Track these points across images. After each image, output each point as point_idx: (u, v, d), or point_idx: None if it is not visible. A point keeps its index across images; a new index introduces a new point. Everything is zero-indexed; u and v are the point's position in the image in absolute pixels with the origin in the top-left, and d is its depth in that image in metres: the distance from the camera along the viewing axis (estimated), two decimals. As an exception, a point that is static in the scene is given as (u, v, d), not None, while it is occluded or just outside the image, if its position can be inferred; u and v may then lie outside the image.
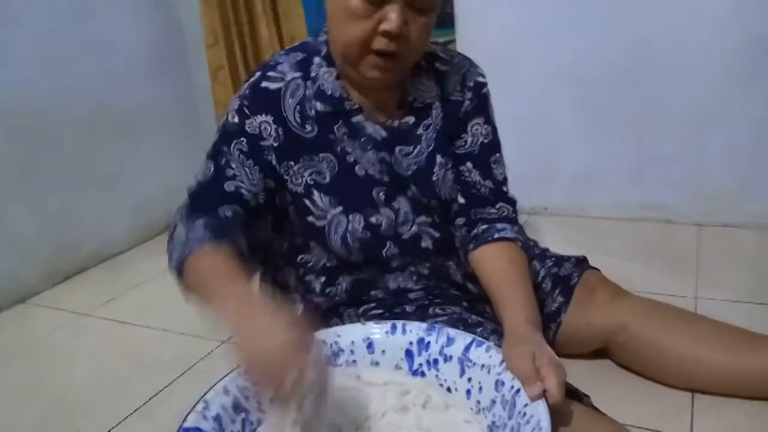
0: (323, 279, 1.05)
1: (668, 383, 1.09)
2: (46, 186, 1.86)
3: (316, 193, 0.96)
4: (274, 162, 0.94)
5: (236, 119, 0.94)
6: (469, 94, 1.03)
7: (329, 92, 0.95)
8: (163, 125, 2.24)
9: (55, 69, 1.85)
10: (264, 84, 0.94)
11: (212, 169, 0.94)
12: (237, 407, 0.84)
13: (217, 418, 0.80)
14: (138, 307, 1.69)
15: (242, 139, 0.93)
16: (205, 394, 0.82)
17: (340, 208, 0.96)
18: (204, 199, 0.94)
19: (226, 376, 0.86)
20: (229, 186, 0.93)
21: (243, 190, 0.93)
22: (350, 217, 0.96)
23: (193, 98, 2.35)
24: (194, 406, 0.80)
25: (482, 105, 1.05)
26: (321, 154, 0.96)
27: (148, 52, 2.16)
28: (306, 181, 0.96)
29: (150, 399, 1.25)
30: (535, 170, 2.00)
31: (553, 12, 1.83)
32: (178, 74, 2.30)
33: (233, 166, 0.93)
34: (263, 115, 0.93)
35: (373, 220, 0.97)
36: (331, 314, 1.06)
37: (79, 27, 1.92)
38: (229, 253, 0.86)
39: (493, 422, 0.81)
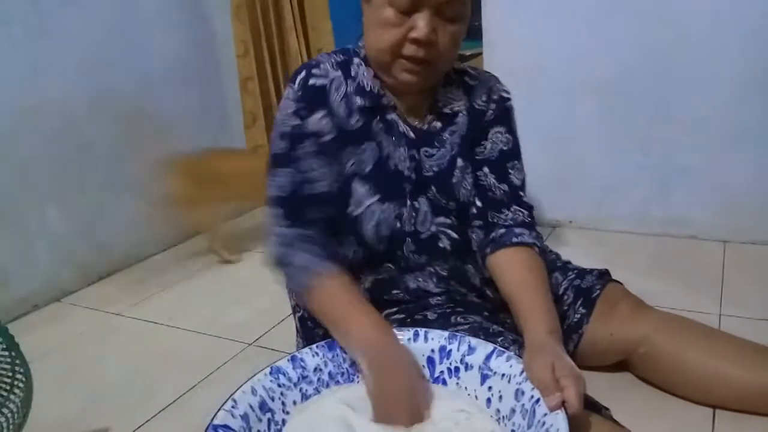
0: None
1: (689, 398, 1.09)
2: (82, 188, 1.92)
3: (357, 181, 1.00)
4: (335, 154, 0.99)
5: (297, 121, 0.98)
6: (493, 105, 1.07)
7: (368, 88, 1.00)
8: (194, 132, 2.29)
9: (93, 75, 1.92)
10: (312, 81, 0.98)
11: (289, 175, 0.98)
12: (263, 407, 0.87)
13: (245, 417, 0.83)
14: (168, 308, 1.74)
15: (308, 140, 0.98)
16: (233, 393, 0.85)
17: (378, 197, 1.00)
18: (294, 208, 0.98)
19: (253, 376, 0.89)
20: (312, 189, 0.97)
21: (325, 190, 0.98)
22: (385, 205, 1.00)
23: (223, 107, 2.41)
24: (223, 404, 0.83)
25: (505, 116, 1.08)
26: (364, 144, 1.00)
27: (182, 61, 2.23)
28: (349, 170, 1.00)
29: (179, 397, 1.29)
30: (560, 183, 2.00)
31: (579, 24, 1.83)
32: (210, 83, 2.36)
33: (309, 168, 0.97)
34: (318, 112, 0.97)
35: (401, 212, 1.01)
36: None
37: (118, 35, 1.98)
38: (343, 278, 0.96)
39: (513, 431, 0.82)
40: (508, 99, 1.09)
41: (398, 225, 1.01)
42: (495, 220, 1.04)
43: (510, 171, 1.06)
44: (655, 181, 1.88)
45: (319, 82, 0.98)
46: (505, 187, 1.05)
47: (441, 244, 1.05)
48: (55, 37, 1.81)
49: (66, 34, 1.83)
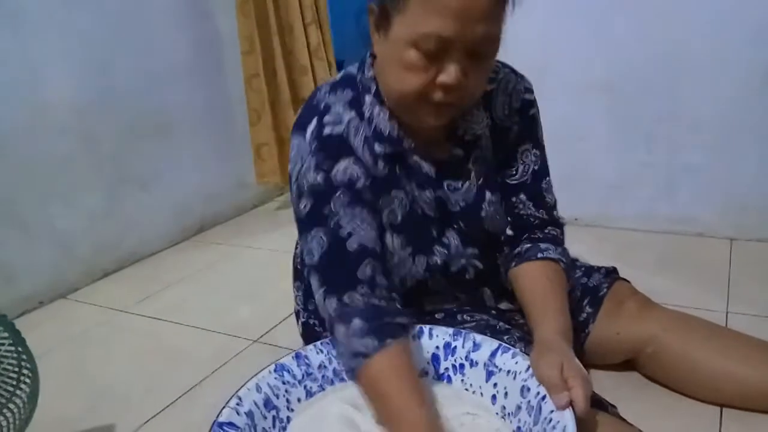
0: None
1: (696, 397, 1.08)
2: (87, 185, 1.92)
3: (388, 234, 0.94)
4: (371, 200, 0.90)
5: (320, 177, 0.87)
6: (516, 118, 1.01)
7: (386, 133, 0.91)
8: (200, 130, 2.30)
9: (99, 72, 1.92)
10: (327, 131, 0.89)
11: (326, 236, 0.87)
12: (268, 404, 0.87)
13: (250, 414, 0.83)
14: (173, 305, 1.74)
15: (339, 191, 0.87)
16: (238, 391, 0.85)
17: (410, 250, 0.96)
18: (337, 271, 0.86)
19: (258, 373, 0.89)
20: (351, 245, 0.86)
21: (366, 244, 0.86)
22: (416, 259, 0.96)
23: (229, 105, 2.40)
24: (228, 401, 0.83)
25: (531, 128, 1.03)
26: (393, 192, 0.93)
27: (187, 59, 2.23)
28: (383, 221, 0.93)
29: (184, 394, 1.29)
30: (566, 180, 1.98)
31: (585, 22, 1.83)
32: (215, 81, 2.35)
33: (344, 224, 0.86)
34: (344, 160, 0.88)
35: (431, 260, 0.97)
36: None
37: (124, 32, 1.98)
38: (396, 358, 0.81)
39: (519, 428, 0.82)
40: (531, 103, 1.03)
41: (429, 274, 0.97)
42: (524, 238, 1.02)
43: (545, 194, 1.04)
44: (662, 179, 1.88)
45: (335, 130, 0.88)
46: (542, 213, 1.03)
47: (467, 276, 1.02)
48: (60, 34, 1.81)
49: (71, 31, 1.83)
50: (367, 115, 0.91)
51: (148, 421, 1.22)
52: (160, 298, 1.80)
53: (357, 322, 0.82)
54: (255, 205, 2.60)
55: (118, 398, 1.31)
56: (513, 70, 1.05)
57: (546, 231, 1.03)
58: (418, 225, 0.96)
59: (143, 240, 2.12)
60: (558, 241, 1.03)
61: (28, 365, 0.94)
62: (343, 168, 0.88)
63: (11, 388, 0.94)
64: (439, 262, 0.98)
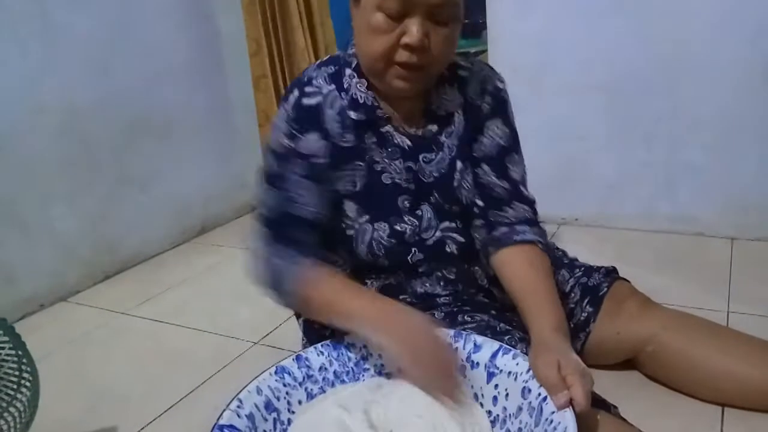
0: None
1: (698, 396, 1.09)
2: (87, 187, 1.92)
3: (346, 202, 0.99)
4: (328, 177, 0.97)
5: (289, 143, 0.95)
6: (488, 98, 1.04)
7: (362, 100, 0.97)
8: (200, 131, 2.30)
9: (100, 73, 1.92)
10: (305, 101, 0.95)
11: (277, 196, 0.97)
12: (269, 406, 0.87)
13: (250, 417, 0.83)
14: (174, 307, 1.74)
15: (298, 161, 0.95)
16: (239, 393, 0.85)
17: (367, 217, 0.99)
18: (281, 227, 0.97)
19: (258, 376, 0.89)
20: (299, 211, 0.95)
21: (312, 214, 0.96)
22: (376, 225, 0.99)
23: (230, 106, 2.41)
24: (229, 404, 0.83)
25: (500, 107, 1.05)
26: (355, 162, 0.98)
27: (188, 60, 2.23)
28: (340, 190, 0.98)
29: (185, 397, 1.29)
30: (566, 180, 1.99)
31: (584, 22, 1.83)
32: (216, 82, 2.36)
33: (298, 191, 0.95)
34: (311, 133, 0.95)
35: (398, 227, 0.99)
36: None
37: (125, 33, 1.99)
38: (334, 272, 0.96)
39: (520, 429, 0.82)
40: (503, 89, 1.06)
41: (393, 242, 0.99)
42: (497, 219, 1.03)
43: (509, 166, 1.05)
44: (661, 179, 1.88)
45: (313, 101, 0.95)
46: (505, 183, 1.04)
47: (448, 249, 1.04)
48: (61, 36, 1.81)
49: (72, 32, 1.83)
50: (345, 85, 0.97)
51: (148, 423, 1.22)
52: (161, 300, 1.80)
53: (290, 252, 0.95)
54: (256, 207, 2.60)
55: (119, 401, 1.31)
56: (489, 66, 1.09)
57: (514, 207, 1.03)
58: (382, 194, 0.99)
59: (144, 242, 2.12)
60: (531, 222, 1.04)
61: (28, 369, 0.94)
62: (310, 141, 0.95)
63: (12, 392, 0.94)
64: (408, 231, 1.00)
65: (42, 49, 1.76)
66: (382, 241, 0.99)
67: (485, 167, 1.04)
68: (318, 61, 1.03)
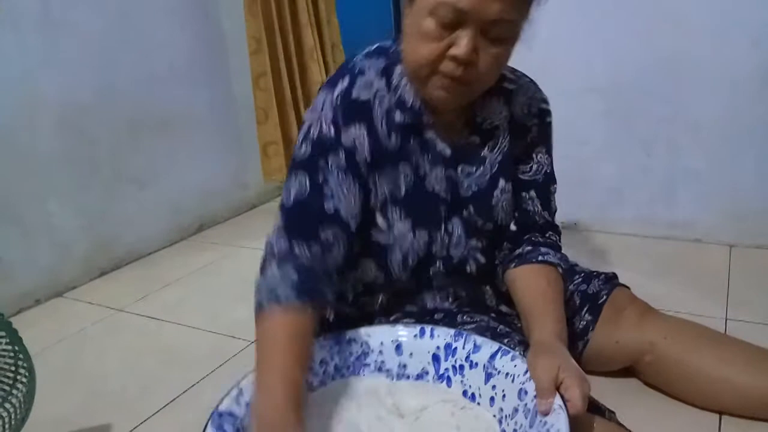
0: (360, 290, 1.04)
1: (696, 404, 1.08)
2: (85, 183, 1.92)
3: (390, 206, 0.95)
4: (365, 176, 0.92)
5: (332, 131, 0.89)
6: (535, 120, 1.03)
7: (409, 103, 0.93)
8: (200, 128, 2.30)
9: (99, 69, 1.92)
10: (355, 94, 0.91)
11: (308, 185, 0.89)
12: (268, 397, 0.86)
13: (250, 405, 0.83)
14: (170, 304, 1.73)
15: (339, 152, 0.89)
16: (239, 381, 0.85)
17: (410, 223, 0.96)
18: (302, 220, 0.89)
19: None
20: (328, 206, 0.88)
21: (342, 213, 0.89)
22: (417, 232, 0.96)
23: (231, 103, 2.40)
24: (229, 391, 0.83)
25: (546, 134, 1.05)
26: (401, 166, 0.94)
27: (188, 57, 2.23)
28: (384, 193, 0.94)
29: (181, 394, 1.28)
30: (565, 184, 1.97)
31: (584, 25, 1.83)
32: (217, 79, 2.35)
33: (331, 184, 0.88)
34: (357, 127, 0.90)
35: (434, 237, 0.98)
36: (362, 322, 1.05)
37: (125, 30, 1.98)
38: (303, 320, 0.84)
39: (515, 430, 0.82)
40: (549, 113, 1.06)
41: (428, 251, 0.97)
42: (525, 239, 1.03)
43: (551, 197, 1.06)
44: (661, 184, 1.88)
45: (363, 96, 0.90)
46: (546, 215, 1.04)
47: (468, 269, 1.02)
48: (61, 32, 1.80)
49: (72, 29, 1.83)
50: (394, 83, 0.93)
51: (144, 420, 1.21)
52: (158, 297, 1.79)
53: (291, 272, 0.85)
54: (254, 205, 2.60)
55: (115, 397, 1.30)
56: (535, 83, 1.07)
57: (547, 235, 1.04)
58: (425, 201, 0.96)
59: (141, 239, 2.11)
60: (557, 247, 1.04)
61: (24, 364, 0.93)
62: (353, 134, 0.90)
63: (8, 387, 0.93)
64: (438, 244, 0.98)
65: (42, 44, 1.76)
66: (420, 251, 0.97)
67: (533, 193, 1.03)
68: (366, 50, 0.97)
